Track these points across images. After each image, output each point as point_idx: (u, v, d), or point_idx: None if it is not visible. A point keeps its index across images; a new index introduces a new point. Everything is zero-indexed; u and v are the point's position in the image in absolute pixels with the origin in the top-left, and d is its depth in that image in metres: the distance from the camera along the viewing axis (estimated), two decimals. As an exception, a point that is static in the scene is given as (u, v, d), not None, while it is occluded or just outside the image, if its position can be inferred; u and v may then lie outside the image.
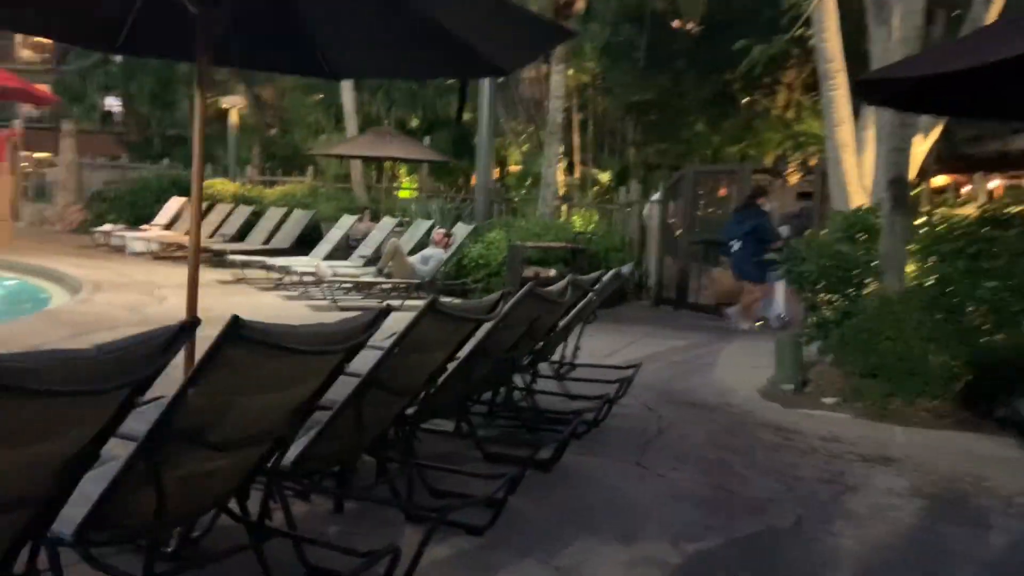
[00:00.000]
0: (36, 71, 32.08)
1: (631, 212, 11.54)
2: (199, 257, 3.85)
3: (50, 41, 32.94)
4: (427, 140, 17.61)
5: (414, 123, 22.54)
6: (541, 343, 5.00)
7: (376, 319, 2.66)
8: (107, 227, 15.43)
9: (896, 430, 5.39)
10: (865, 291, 6.30)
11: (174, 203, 15.64)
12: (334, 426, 3.04)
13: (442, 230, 9.95)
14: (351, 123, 16.06)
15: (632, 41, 17.55)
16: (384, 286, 9.59)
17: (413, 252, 10.08)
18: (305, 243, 12.60)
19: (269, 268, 10.38)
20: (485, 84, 10.94)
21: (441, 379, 3.85)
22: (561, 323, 5.21)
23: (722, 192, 11.06)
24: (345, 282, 9.45)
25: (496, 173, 23.45)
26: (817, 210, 8.86)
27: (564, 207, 14.37)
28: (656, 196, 11.05)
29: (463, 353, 3.91)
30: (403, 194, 19.71)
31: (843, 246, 6.53)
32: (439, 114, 22.82)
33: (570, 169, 18.78)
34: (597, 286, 5.08)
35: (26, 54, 33.31)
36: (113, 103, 30.98)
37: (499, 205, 16.47)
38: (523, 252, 9.64)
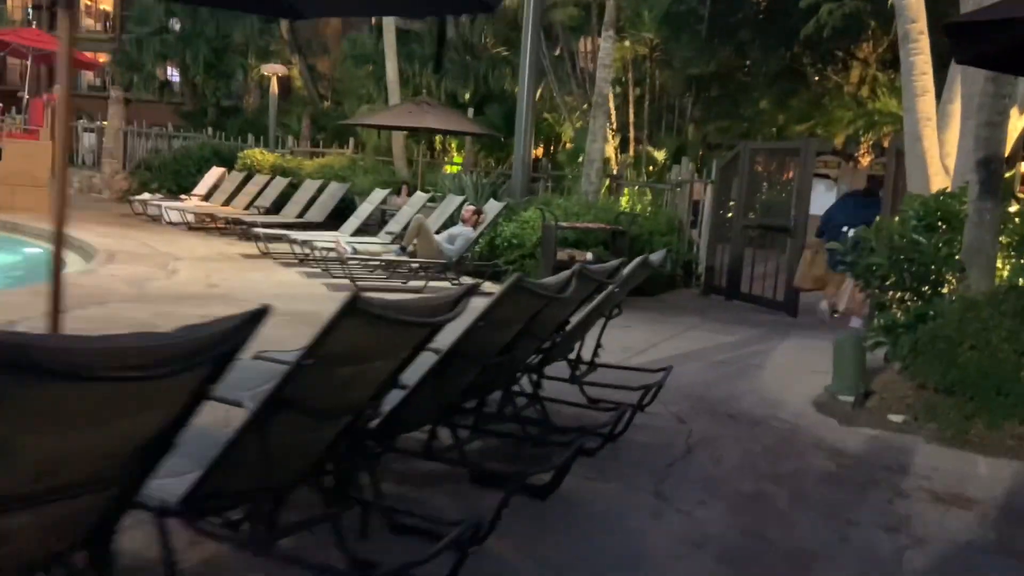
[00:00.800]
0: (99, 39, 32.22)
1: (681, 192, 10.59)
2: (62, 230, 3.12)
3: (112, 8, 33.08)
4: (471, 112, 16.79)
5: (466, 96, 21.76)
6: (548, 343, 4.23)
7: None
8: (145, 196, 15.08)
9: (978, 461, 4.46)
10: (944, 290, 5.34)
11: (213, 173, 15.20)
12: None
13: (472, 207, 9.19)
14: (394, 94, 15.35)
15: (694, 9, 16.44)
16: (411, 265, 8.88)
17: (444, 229, 9.37)
18: (340, 217, 11.96)
19: (292, 242, 9.77)
20: (526, 50, 10.09)
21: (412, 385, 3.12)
22: (575, 319, 4.42)
23: (788, 175, 10.02)
24: (365, 259, 8.76)
25: (545, 150, 22.61)
26: (889, 193, 7.81)
27: (614, 186, 13.47)
28: (706, 176, 10.09)
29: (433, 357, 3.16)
30: (452, 169, 19.00)
31: (919, 236, 5.55)
32: (491, 87, 21.98)
33: (624, 146, 17.80)
34: (618, 276, 4.25)
35: (88, 23, 33.46)
36: (173, 73, 30.96)
37: (545, 183, 15.64)
38: (558, 233, 8.82)
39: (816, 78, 17.05)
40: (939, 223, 5.66)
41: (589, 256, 8.49)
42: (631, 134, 17.68)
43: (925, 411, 4.91)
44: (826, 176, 15.46)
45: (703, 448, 4.44)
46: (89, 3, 33.54)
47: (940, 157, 6.60)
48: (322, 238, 9.56)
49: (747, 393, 5.62)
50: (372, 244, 9.19)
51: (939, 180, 6.44)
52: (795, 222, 8.91)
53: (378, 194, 11.13)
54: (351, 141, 17.65)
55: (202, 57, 25.89)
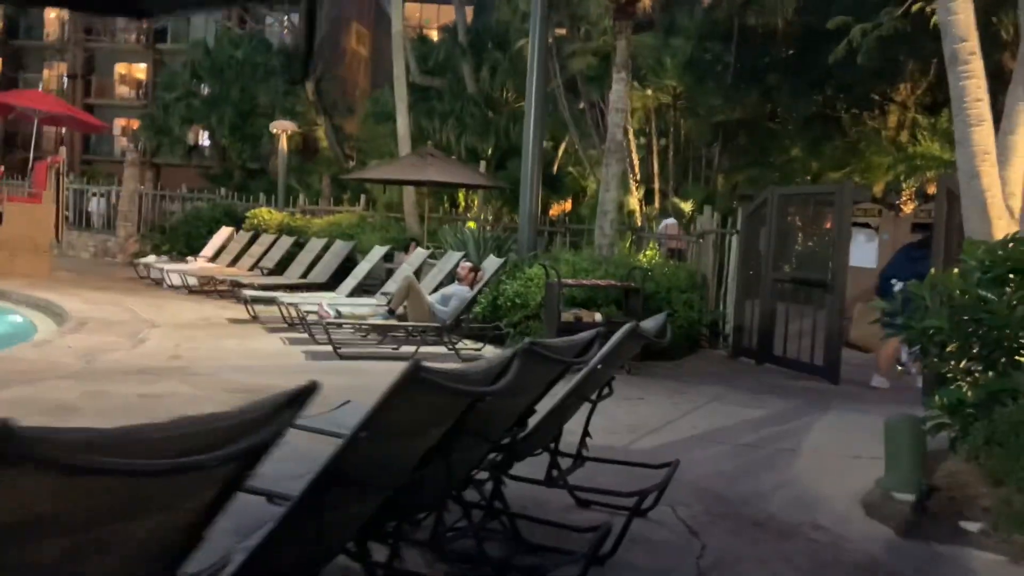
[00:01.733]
0: (133, 107, 32.46)
1: (704, 244, 9.56)
2: None
3: (145, 78, 33.36)
4: (483, 166, 16.01)
5: (487, 151, 21.08)
6: (508, 439, 3.21)
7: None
8: (150, 259, 14.46)
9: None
10: (1024, 359, 4.22)
11: (221, 234, 14.54)
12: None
13: (468, 264, 8.26)
14: (404, 147, 14.64)
15: (719, 55, 15.60)
16: (405, 329, 7.94)
17: (443, 287, 8.44)
18: (346, 277, 11.15)
19: (280, 306, 8.92)
20: (531, 96, 9.25)
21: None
22: (543, 406, 3.41)
23: (823, 224, 8.92)
24: (348, 324, 7.83)
25: (573, 205, 21.74)
26: (940, 240, 6.69)
27: (635, 239, 12.49)
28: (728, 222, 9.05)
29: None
30: (471, 225, 18.19)
31: (986, 292, 4.45)
32: (513, 141, 21.31)
33: (649, 198, 16.85)
34: (593, 352, 3.24)
35: (123, 90, 33.80)
36: (206, 138, 30.98)
37: (564, 236, 14.70)
38: (565, 291, 7.83)
39: (851, 123, 16.01)
40: (1009, 275, 4.55)
41: (598, 317, 7.47)
42: (656, 185, 16.74)
43: (1009, 517, 3.76)
44: (866, 225, 14.31)
45: (718, 573, 3.35)
46: (124, 72, 33.92)
47: (1003, 197, 5.51)
48: (307, 301, 8.68)
49: (778, 489, 4.50)
50: (360, 307, 8.27)
51: (1003, 224, 5.34)
52: (833, 275, 7.81)
53: (377, 251, 10.28)
54: (361, 198, 16.97)
55: (227, 120, 25.73)
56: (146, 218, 18.22)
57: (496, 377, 2.46)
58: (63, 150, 13.90)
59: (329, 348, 7.80)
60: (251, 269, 13.14)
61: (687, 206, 15.85)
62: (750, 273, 8.85)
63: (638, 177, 16.36)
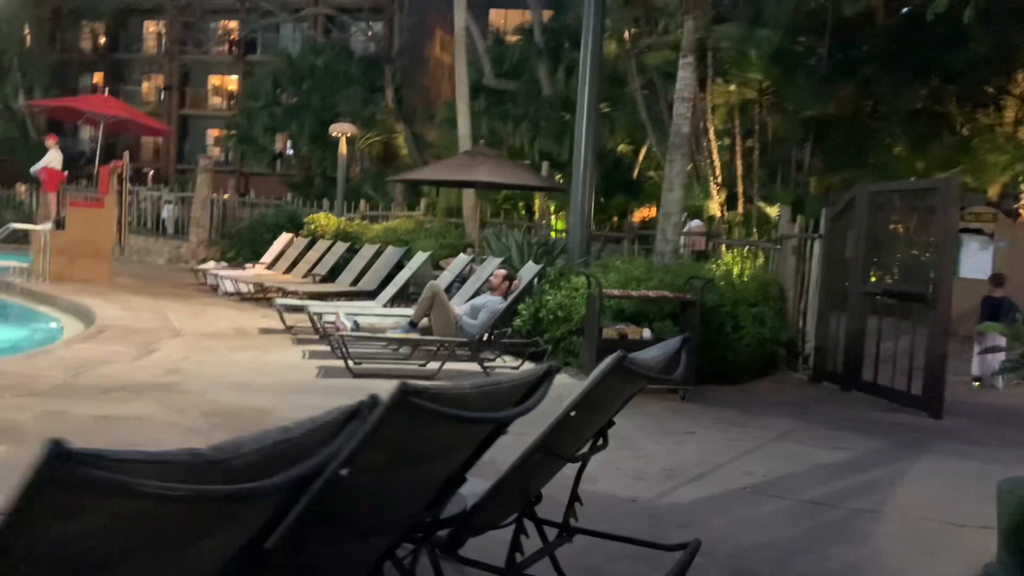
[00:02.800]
0: (223, 117, 32.92)
1: (783, 251, 8.30)
2: None
3: (236, 89, 33.82)
4: (545, 167, 15.02)
5: (563, 155, 20.10)
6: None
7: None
8: (208, 264, 14.11)
9: None
10: None
11: (281, 240, 14.03)
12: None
13: (502, 271, 7.30)
14: (465, 148, 13.81)
15: (810, 46, 14.18)
16: (428, 345, 7.04)
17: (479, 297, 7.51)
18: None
19: (308, 315, 8.18)
20: (584, 85, 8.22)
21: None
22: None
23: (924, 227, 7.56)
24: (366, 337, 6.96)
25: (654, 211, 20.49)
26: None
27: (710, 247, 11.27)
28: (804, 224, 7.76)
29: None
30: (555, 234, 17.19)
31: None
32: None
33: (732, 203, 15.49)
34: (532, 400, 2.23)
35: (216, 101, 34.41)
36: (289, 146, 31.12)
37: (632, 243, 13.55)
38: (610, 303, 6.78)
39: (961, 118, 14.30)
40: None
41: (646, 333, 6.38)
42: (740, 189, 15.38)
43: None
44: (979, 231, 12.64)
45: None
46: (217, 84, 34.55)
47: None
48: (335, 311, 7.90)
49: (853, 571, 3.35)
50: (384, 317, 7.41)
51: None
52: (935, 288, 6.47)
53: (419, 258, 9.45)
54: (421, 203, 16.25)
55: (308, 128, 25.60)
56: (218, 225, 18.02)
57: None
58: (126, 155, 13.76)
59: (349, 363, 6.99)
60: (305, 276, 12.56)
61: (773, 211, 14.44)
62: (836, 284, 7.57)
63: (719, 180, 15.05)
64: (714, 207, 14.96)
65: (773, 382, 7.46)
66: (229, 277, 12.59)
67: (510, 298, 6.98)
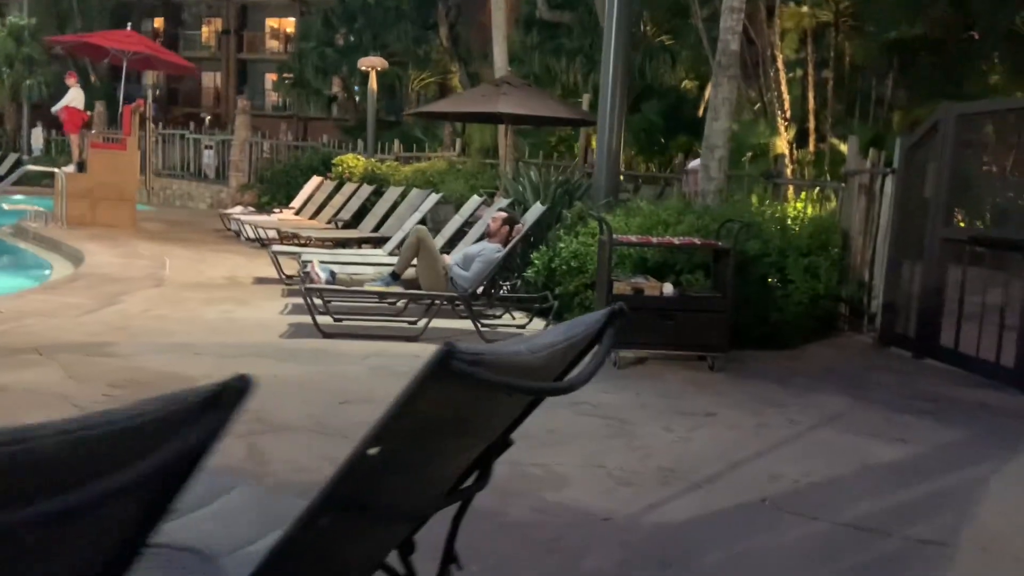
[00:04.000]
0: (281, 60, 32.23)
1: (849, 188, 6.93)
2: None
3: (292, 31, 33.03)
4: (584, 100, 13.66)
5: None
6: None
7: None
8: (235, 210, 13.40)
9: None
10: None
11: (311, 184, 13.17)
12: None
13: (502, 213, 6.18)
14: (501, 82, 12.57)
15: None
16: (423, 299, 6.01)
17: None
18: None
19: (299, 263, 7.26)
20: (613, 10, 6.90)
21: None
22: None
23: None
24: (337, 290, 5.95)
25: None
26: None
27: (770, 187, 9.88)
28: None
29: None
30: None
31: None
32: (649, 80, 18.75)
33: (803, 140, 13.89)
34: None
35: (273, 44, 33.72)
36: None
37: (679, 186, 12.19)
38: (626, 252, 5.63)
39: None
40: None
41: (667, 289, 5.21)
42: (811, 125, 13.75)
43: None
44: None
45: None
46: (274, 26, 33.83)
47: None
48: (326, 258, 6.96)
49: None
50: (365, 267, 6.40)
51: None
52: (1038, 233, 5.09)
53: (429, 199, 8.42)
54: (457, 142, 15.13)
55: (356, 72, 24.57)
56: (257, 169, 17.34)
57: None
58: (150, 92, 13.10)
59: (328, 319, 6.06)
60: (330, 221, 11.71)
61: (847, 147, 12.82)
62: (911, 229, 6.21)
63: (788, 115, 13.45)
64: (781, 145, 13.41)
65: (829, 347, 6.21)
66: (250, 223, 11.83)
67: (510, 245, 5.88)
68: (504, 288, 7.00)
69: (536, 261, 6.51)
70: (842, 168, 8.30)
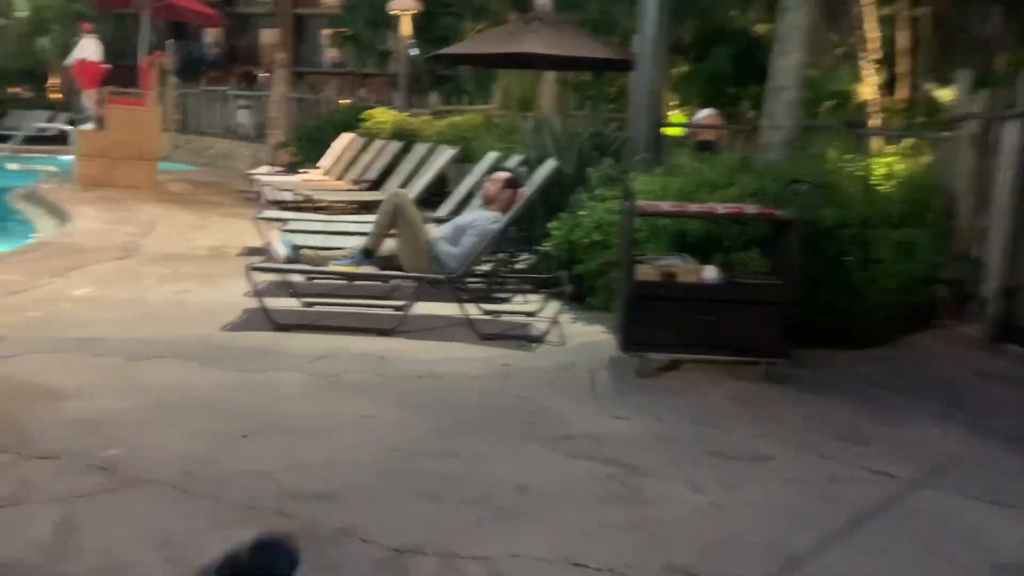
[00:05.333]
0: (334, 13, 31.16)
1: (956, 139, 5.41)
2: None
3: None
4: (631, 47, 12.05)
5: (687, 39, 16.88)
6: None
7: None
8: (261, 170, 12.42)
9: None
10: None
11: (340, 141, 12.07)
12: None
13: (502, 174, 4.90)
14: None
15: None
16: (402, 281, 4.82)
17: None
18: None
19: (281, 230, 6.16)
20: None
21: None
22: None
23: None
24: (291, 270, 4.78)
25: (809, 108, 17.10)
26: None
27: (853, 139, 8.30)
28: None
29: None
30: (673, 131, 14.35)
31: None
32: (721, 24, 16.93)
33: (893, 86, 12.09)
34: None
35: (329, -1, 32.58)
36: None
37: (750, 134, 10.65)
38: (658, 224, 4.32)
39: None
40: None
41: (709, 273, 3.89)
42: (902, 69, 11.92)
43: None
44: None
45: None
46: (331, -22, 32.64)
47: None
48: (317, 227, 5.84)
49: None
50: (355, 236, 5.19)
51: None
52: None
53: (443, 156, 7.25)
54: (498, 94, 13.77)
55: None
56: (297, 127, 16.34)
57: None
58: (170, 43, 12.18)
59: (295, 303, 4.96)
60: (356, 181, 10.61)
61: (946, 94, 11.01)
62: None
63: (875, 57, 11.67)
64: (868, 90, 11.67)
65: (926, 345, 4.78)
66: (269, 184, 10.81)
67: (511, 212, 4.62)
68: (519, 262, 5.78)
69: (555, 232, 5.26)
70: (943, 115, 6.71)
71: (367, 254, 4.53)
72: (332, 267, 4.51)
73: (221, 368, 3.75)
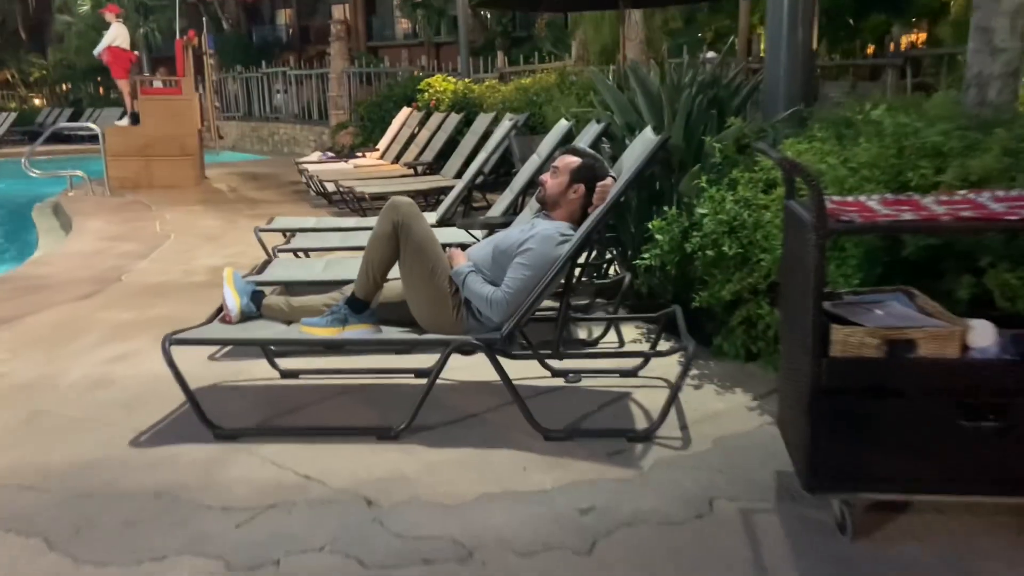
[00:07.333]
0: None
1: None
2: None
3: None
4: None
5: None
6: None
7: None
8: (312, 156, 10.90)
9: None
10: None
11: (399, 117, 10.37)
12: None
13: (570, 159, 2.93)
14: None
15: None
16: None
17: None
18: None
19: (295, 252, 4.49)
20: None
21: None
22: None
23: None
24: (243, 341, 3.04)
25: (922, 36, 14.39)
26: None
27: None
28: None
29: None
30: None
31: None
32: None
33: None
34: None
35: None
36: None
37: (900, 76, 8.38)
38: (837, 235, 2.38)
39: None
40: None
41: (982, 334, 1.93)
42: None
43: None
44: None
45: None
46: (400, -52, 30.91)
47: None
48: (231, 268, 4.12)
49: None
50: (313, 285, 3.40)
51: None
52: None
53: (500, 130, 5.36)
54: (572, 47, 11.71)
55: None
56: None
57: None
58: (205, 21, 10.77)
59: (268, 371, 3.26)
60: (411, 165, 8.89)
61: None
62: None
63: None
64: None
65: None
66: (316, 173, 9.20)
67: (589, 222, 2.73)
68: (600, 282, 3.89)
69: (658, 235, 3.36)
70: None
71: (354, 304, 2.75)
72: (303, 330, 2.75)
73: (74, 556, 2.07)
